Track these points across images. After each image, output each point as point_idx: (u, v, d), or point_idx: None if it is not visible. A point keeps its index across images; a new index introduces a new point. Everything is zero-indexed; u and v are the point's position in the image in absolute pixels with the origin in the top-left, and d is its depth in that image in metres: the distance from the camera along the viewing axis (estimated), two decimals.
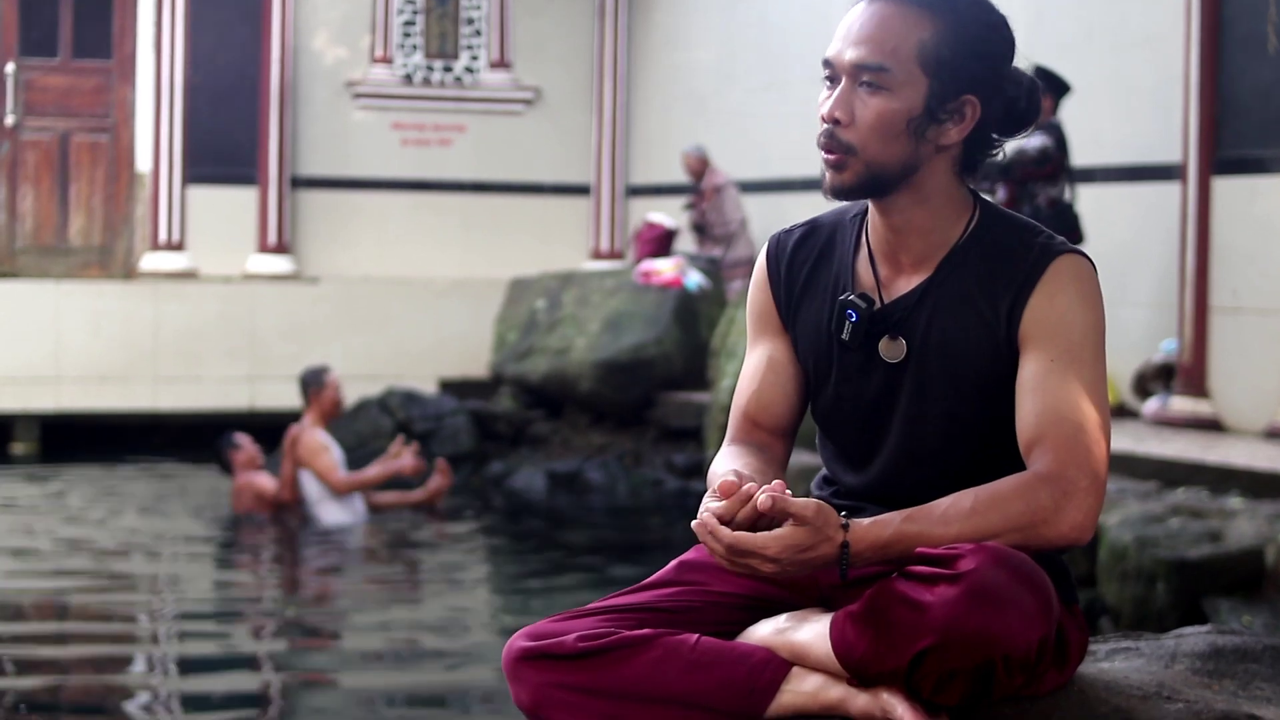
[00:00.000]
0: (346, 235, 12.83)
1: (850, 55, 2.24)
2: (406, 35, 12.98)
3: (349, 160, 12.88)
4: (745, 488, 2.11)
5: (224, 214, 12.45)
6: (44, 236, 12.34)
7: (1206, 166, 8.05)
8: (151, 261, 12.30)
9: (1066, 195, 8.31)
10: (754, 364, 2.41)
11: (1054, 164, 8.22)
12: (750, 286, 2.45)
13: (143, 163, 12.35)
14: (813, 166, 2.30)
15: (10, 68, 12.20)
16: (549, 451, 10.89)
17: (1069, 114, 8.40)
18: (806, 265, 2.38)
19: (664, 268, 11.29)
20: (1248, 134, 7.97)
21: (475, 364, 12.33)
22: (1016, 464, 2.20)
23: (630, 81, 13.32)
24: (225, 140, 12.44)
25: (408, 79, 12.97)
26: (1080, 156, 8.42)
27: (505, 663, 2.24)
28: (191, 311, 12.04)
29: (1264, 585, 5.84)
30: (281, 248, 12.51)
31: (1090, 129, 8.63)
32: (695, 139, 11.89)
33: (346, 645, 6.67)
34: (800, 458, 2.71)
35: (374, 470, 8.96)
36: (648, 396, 10.86)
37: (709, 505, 2.13)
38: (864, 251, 2.35)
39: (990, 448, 2.26)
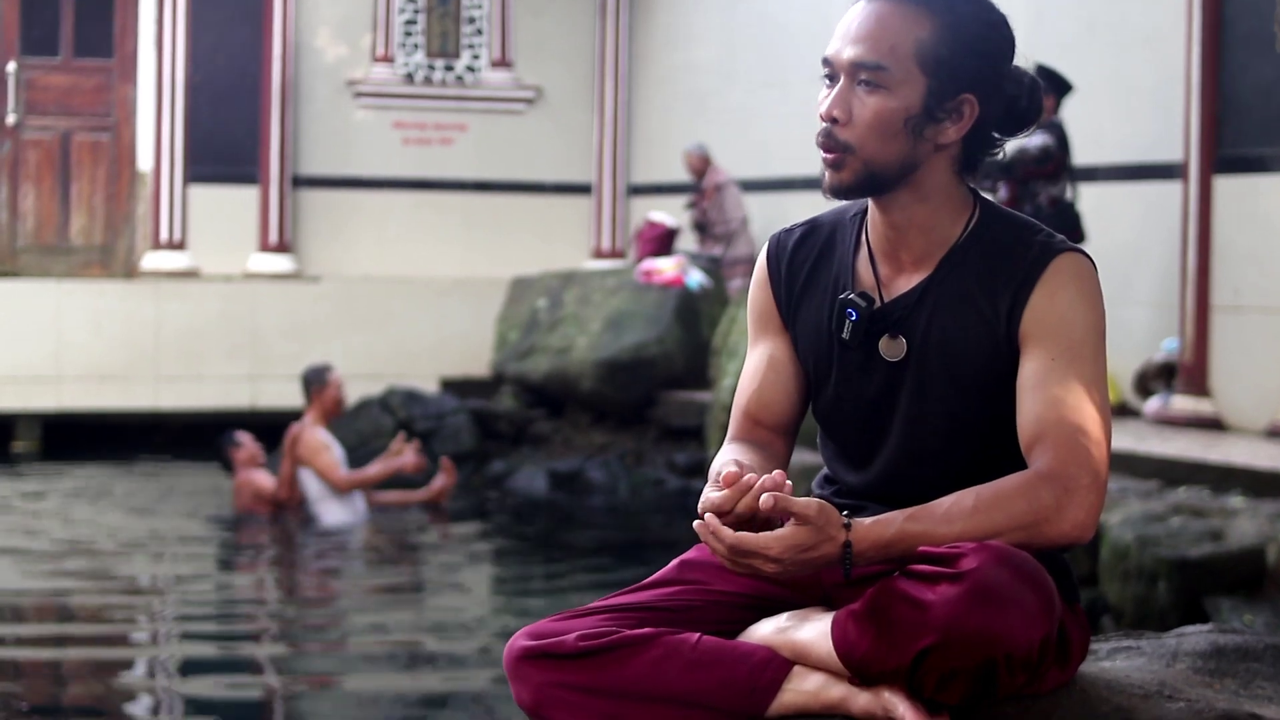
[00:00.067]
0: (348, 234, 12.83)
1: (848, 54, 2.24)
2: (408, 34, 12.98)
3: (350, 159, 12.88)
4: (745, 478, 2.12)
5: (225, 213, 12.45)
6: (45, 236, 12.35)
7: (1208, 165, 8.05)
8: (153, 260, 12.30)
9: (1068, 194, 8.31)
10: (755, 363, 2.41)
11: (1055, 163, 8.22)
12: (751, 286, 2.45)
13: (144, 162, 12.35)
14: (814, 165, 2.30)
15: (11, 67, 12.20)
16: (550, 451, 10.89)
17: (1070, 113, 8.40)
18: (807, 264, 2.38)
19: (665, 267, 11.29)
20: (1249, 133, 7.97)
21: (476, 363, 12.33)
22: (1018, 463, 2.20)
23: (631, 80, 13.32)
24: (226, 139, 12.45)
25: (409, 78, 12.97)
26: (1081, 155, 8.42)
27: (506, 662, 2.24)
28: (193, 310, 12.04)
29: (1265, 584, 5.84)
30: (283, 247, 12.51)
31: (1091, 128, 8.62)
32: (696, 138, 11.89)
33: (347, 647, 6.66)
34: (801, 457, 2.71)
35: (375, 468, 8.96)
36: (649, 396, 10.86)
37: (709, 496, 2.13)
38: (864, 250, 2.35)
39: (991, 447, 2.26)
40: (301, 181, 12.70)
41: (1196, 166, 8.08)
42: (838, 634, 2.12)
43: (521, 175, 13.21)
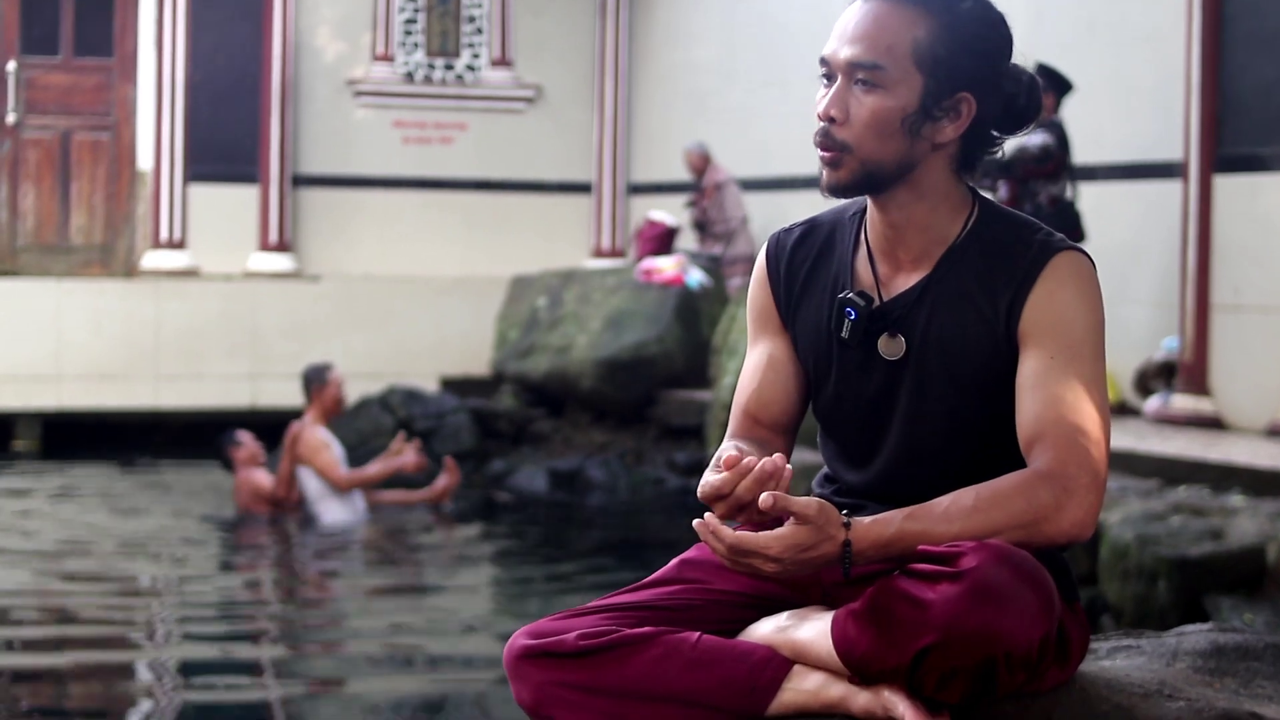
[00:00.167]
0: (348, 233, 12.83)
1: (845, 53, 2.24)
2: (408, 33, 12.98)
3: (350, 158, 12.88)
4: (745, 461, 2.12)
5: (225, 212, 12.45)
6: (45, 235, 12.35)
7: (1208, 164, 8.05)
8: (153, 260, 12.30)
9: (1068, 193, 8.31)
10: (754, 362, 2.41)
11: (1055, 162, 8.22)
12: (750, 285, 2.45)
13: (144, 161, 12.36)
14: (813, 164, 2.30)
15: (11, 66, 12.20)
16: (550, 450, 10.89)
17: (1070, 112, 8.40)
18: (806, 264, 2.38)
19: (665, 266, 11.29)
20: (1249, 132, 7.97)
21: (477, 362, 12.34)
22: (1017, 461, 2.20)
23: (631, 79, 13.32)
24: (226, 138, 12.45)
25: (409, 77, 12.97)
26: (1081, 154, 8.42)
27: (507, 661, 2.25)
28: (193, 310, 12.04)
29: (1265, 583, 5.84)
30: (283, 246, 12.51)
31: (1091, 127, 8.62)
32: (696, 137, 11.89)
33: (347, 649, 6.64)
34: (802, 456, 2.71)
35: (376, 467, 8.96)
36: (649, 394, 10.86)
37: (709, 479, 2.13)
38: (863, 249, 2.35)
39: (990, 445, 2.26)
40: (301, 181, 12.70)
41: (1196, 165, 8.08)
42: (837, 633, 2.12)
43: (521, 174, 13.21)
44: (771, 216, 10.96)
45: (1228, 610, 5.68)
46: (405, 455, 8.91)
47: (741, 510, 2.12)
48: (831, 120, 2.25)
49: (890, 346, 2.29)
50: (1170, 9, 8.30)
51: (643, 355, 10.82)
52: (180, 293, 12.08)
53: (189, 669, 6.17)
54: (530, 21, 13.23)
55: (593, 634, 2.20)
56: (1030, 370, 2.20)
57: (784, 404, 2.39)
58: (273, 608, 7.54)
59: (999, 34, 2.26)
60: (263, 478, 9.03)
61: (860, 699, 2.12)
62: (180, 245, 12.35)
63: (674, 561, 2.35)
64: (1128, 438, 7.45)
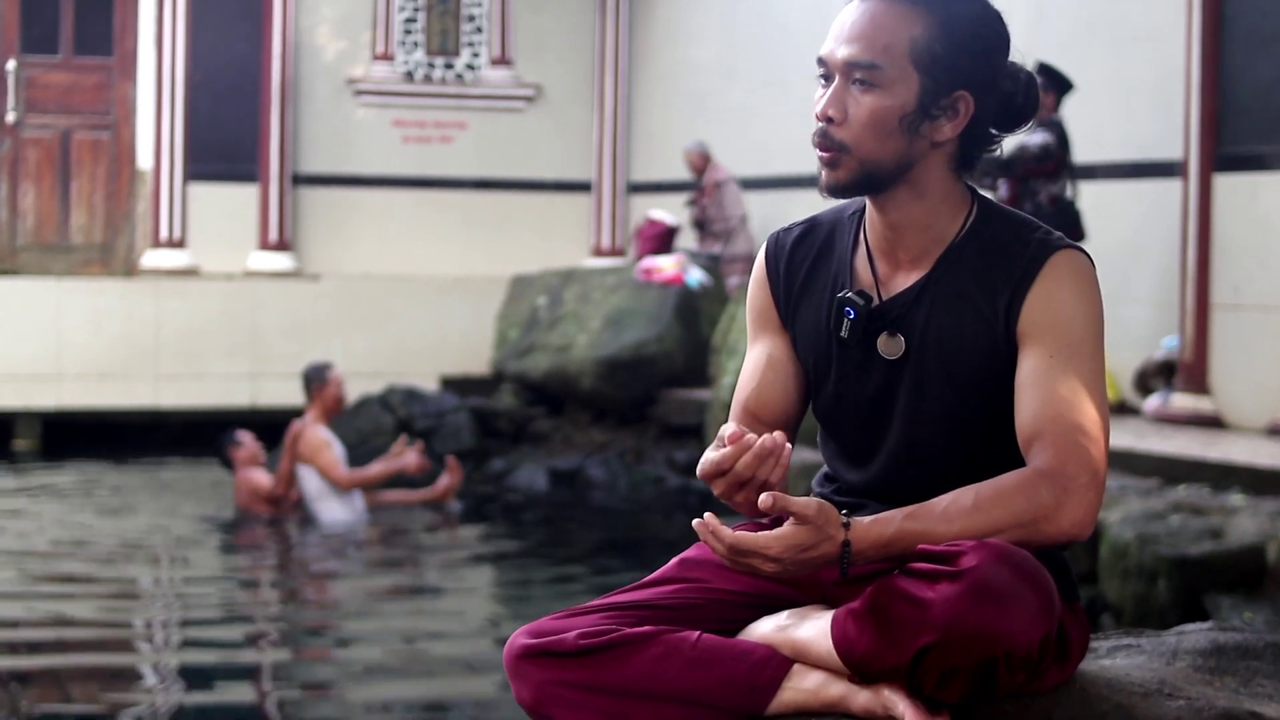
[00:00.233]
0: (348, 232, 12.83)
1: (842, 53, 2.24)
2: (408, 32, 12.98)
3: (350, 157, 12.88)
4: (746, 438, 2.11)
5: (225, 211, 12.46)
6: (45, 234, 12.35)
7: (1208, 163, 8.05)
8: (153, 259, 12.30)
9: (1068, 192, 8.31)
10: (754, 361, 2.41)
11: (1056, 161, 8.22)
12: (750, 285, 2.45)
13: (144, 160, 12.36)
14: (813, 164, 2.30)
15: (11, 65, 12.20)
16: (550, 449, 10.89)
17: (1070, 111, 8.40)
18: (805, 263, 2.38)
19: (665, 265, 11.29)
20: (1249, 130, 7.97)
21: (477, 361, 12.34)
22: (1016, 460, 2.20)
23: (631, 78, 13.32)
24: (226, 137, 12.45)
25: (409, 76, 12.97)
26: (1081, 153, 8.42)
27: (506, 660, 2.25)
28: (193, 309, 12.04)
29: (1265, 582, 5.84)
30: (283, 245, 12.51)
31: (1091, 126, 8.62)
32: (696, 136, 11.89)
33: (347, 653, 6.62)
34: (802, 455, 2.71)
35: (377, 468, 8.97)
36: (649, 394, 10.86)
37: (709, 455, 2.13)
38: (862, 249, 2.35)
39: (990, 445, 2.26)
40: (301, 179, 12.70)
41: (1196, 164, 8.08)
42: (837, 632, 2.12)
43: (521, 173, 13.21)
44: (771, 215, 10.96)
45: (1227, 609, 5.68)
46: (407, 457, 8.91)
47: (741, 487, 2.12)
48: (830, 120, 2.25)
49: (889, 346, 2.29)
50: (1170, 8, 8.30)
51: (642, 354, 10.82)
52: (180, 292, 12.08)
53: (187, 672, 6.16)
54: (530, 20, 13.23)
55: (593, 633, 2.20)
56: (1029, 369, 2.20)
57: (784, 403, 2.39)
58: (271, 609, 7.52)
59: (996, 32, 2.26)
60: (262, 477, 9.03)
61: (860, 698, 2.12)
62: (180, 244, 12.36)
63: (674, 560, 2.35)
64: (1128, 437, 7.45)
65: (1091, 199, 8.55)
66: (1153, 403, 8.30)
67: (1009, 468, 2.18)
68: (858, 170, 2.24)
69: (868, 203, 2.33)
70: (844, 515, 2.11)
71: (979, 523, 2.10)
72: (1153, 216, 8.60)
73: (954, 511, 2.11)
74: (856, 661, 2.09)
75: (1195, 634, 2.46)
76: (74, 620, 7.01)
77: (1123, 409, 8.42)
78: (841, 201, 2.35)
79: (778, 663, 2.17)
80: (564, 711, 2.20)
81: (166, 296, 12.02)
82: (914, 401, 2.28)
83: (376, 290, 12.52)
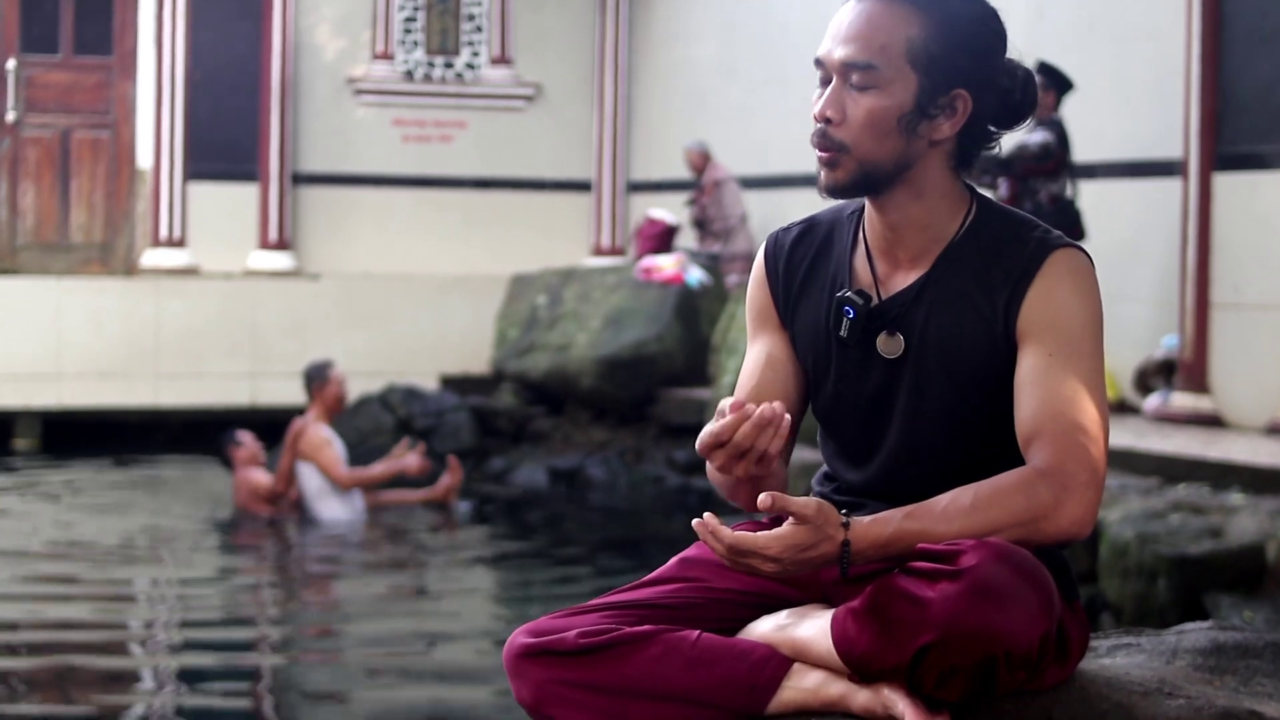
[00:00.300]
0: (347, 231, 12.83)
1: (839, 54, 2.24)
2: (407, 31, 12.98)
3: (350, 156, 12.88)
4: (746, 407, 2.11)
5: (225, 210, 12.46)
6: (45, 233, 12.35)
7: (1208, 162, 8.05)
8: (153, 258, 12.30)
9: (1068, 191, 8.31)
10: (754, 360, 2.41)
11: (1056, 160, 8.22)
12: (749, 284, 2.45)
13: (144, 159, 12.36)
14: (813, 163, 2.30)
15: (11, 64, 12.20)
16: (550, 448, 10.89)
17: (1070, 110, 8.40)
18: (804, 263, 2.38)
19: (665, 264, 11.29)
20: (1249, 129, 7.97)
21: (476, 360, 12.34)
22: (1016, 459, 2.20)
23: (631, 77, 13.32)
24: (226, 136, 12.45)
25: (409, 75, 12.97)
26: (1081, 152, 8.42)
27: (506, 659, 2.25)
28: (193, 308, 12.04)
29: (1265, 581, 5.84)
30: (282, 244, 12.51)
31: (1091, 125, 8.62)
32: (696, 135, 11.89)
33: (347, 654, 6.60)
34: (802, 454, 2.71)
35: (378, 468, 8.98)
36: (649, 393, 10.86)
37: (708, 427, 2.13)
38: (861, 248, 2.35)
39: (989, 444, 2.26)
40: (301, 179, 12.70)
41: (1196, 163, 8.08)
42: (837, 631, 2.12)
43: (521, 172, 13.21)
44: (770, 214, 10.97)
45: (1227, 608, 5.68)
46: (408, 458, 8.92)
47: (741, 458, 2.12)
48: (828, 121, 2.25)
49: (889, 345, 2.29)
50: (1170, 7, 8.30)
51: (642, 353, 10.82)
52: (180, 291, 12.08)
53: (185, 674, 6.15)
54: (530, 19, 13.23)
55: (593, 632, 2.20)
56: (1028, 368, 2.20)
57: (784, 402, 2.38)
58: (271, 610, 7.51)
59: (992, 29, 2.26)
60: (262, 477, 9.03)
61: (860, 697, 2.12)
62: (180, 243, 12.36)
63: (674, 560, 2.35)
64: (1127, 436, 7.45)
65: (1091, 198, 8.55)
66: (1152, 402, 8.30)
67: (1008, 467, 2.18)
68: (857, 171, 2.25)
69: (867, 202, 2.33)
70: (843, 515, 2.11)
71: (978, 522, 2.10)
72: (1152, 215, 8.60)
73: (953, 511, 2.11)
74: (856, 660, 2.09)
75: (1195, 633, 2.46)
76: (72, 622, 7.00)
77: (1123, 408, 8.42)
78: (840, 201, 2.36)
79: (777, 662, 2.17)
80: (564, 711, 2.20)
81: (166, 296, 12.02)
82: (913, 401, 2.28)
83: (376, 289, 12.52)
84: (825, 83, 2.27)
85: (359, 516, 8.93)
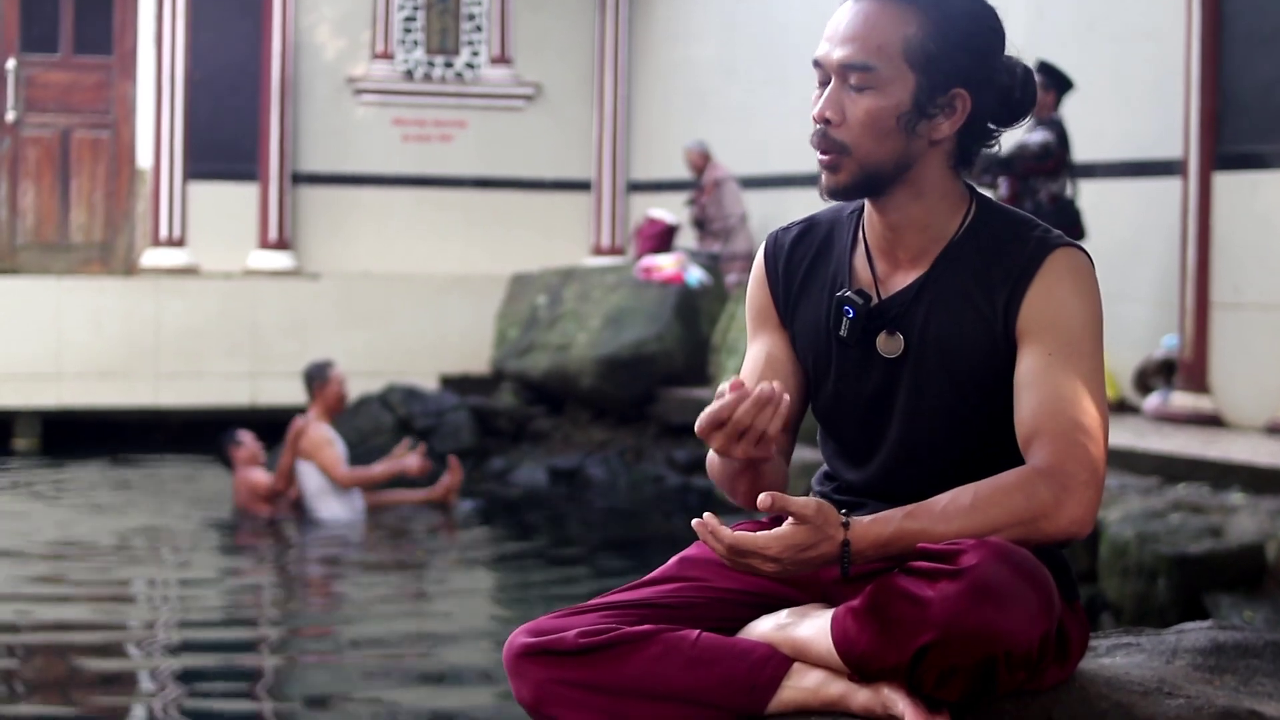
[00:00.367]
0: (347, 231, 12.83)
1: (837, 55, 2.24)
2: (407, 31, 12.98)
3: (350, 156, 12.88)
4: (745, 387, 2.12)
5: (225, 210, 12.46)
6: (45, 233, 12.35)
7: (1208, 162, 8.05)
8: (152, 257, 12.30)
9: (1068, 191, 8.31)
10: (753, 360, 2.41)
11: (1056, 159, 8.22)
12: (749, 284, 2.45)
13: (144, 159, 12.36)
14: (813, 162, 2.30)
15: (11, 64, 12.20)
16: (550, 447, 10.89)
17: (1070, 109, 8.40)
18: (804, 262, 2.38)
19: (665, 264, 11.29)
20: (1249, 129, 7.97)
21: (476, 360, 12.34)
22: (1016, 459, 2.20)
23: (631, 77, 13.32)
24: (226, 136, 12.45)
25: (409, 75, 12.97)
26: (1081, 152, 8.42)
27: (506, 659, 2.24)
28: (193, 308, 12.04)
29: (1265, 581, 5.84)
30: (282, 244, 12.51)
31: (1092, 124, 8.62)
32: (696, 134, 11.89)
33: (347, 654, 6.59)
34: (802, 454, 2.71)
35: (379, 468, 8.98)
36: (649, 392, 10.86)
37: (707, 410, 2.13)
38: (861, 247, 2.35)
39: (989, 443, 2.26)
40: (301, 178, 12.70)
41: (1196, 163, 8.08)
42: (837, 631, 2.12)
43: (521, 172, 13.21)
44: (770, 214, 10.97)
45: (1227, 608, 5.68)
46: (409, 459, 8.92)
47: (740, 438, 2.12)
48: (827, 122, 2.25)
49: (889, 344, 2.29)
50: (1170, 7, 8.30)
51: (642, 353, 10.82)
52: (180, 291, 12.08)
53: (185, 675, 6.14)
54: (530, 19, 13.23)
55: (592, 632, 2.20)
56: (1028, 367, 2.20)
57: None
58: (271, 611, 7.50)
59: (990, 28, 2.26)
60: (261, 477, 9.03)
61: (860, 697, 2.12)
62: (180, 243, 12.36)
63: (674, 559, 2.35)
64: (1127, 435, 7.45)
65: (1091, 197, 8.55)
66: (1152, 401, 8.30)
67: (1008, 466, 2.18)
68: (858, 172, 2.25)
69: (866, 202, 2.33)
70: (843, 514, 2.11)
71: (978, 521, 2.10)
72: (1152, 215, 8.60)
73: (953, 510, 2.11)
74: (856, 660, 2.09)
75: (1195, 632, 2.46)
76: (72, 622, 6.99)
77: (1123, 408, 8.42)
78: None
79: (777, 661, 2.17)
80: (564, 710, 2.19)
81: (166, 295, 12.02)
82: (913, 400, 2.28)
83: (376, 289, 12.52)
84: (824, 84, 2.27)
85: (359, 516, 8.93)
